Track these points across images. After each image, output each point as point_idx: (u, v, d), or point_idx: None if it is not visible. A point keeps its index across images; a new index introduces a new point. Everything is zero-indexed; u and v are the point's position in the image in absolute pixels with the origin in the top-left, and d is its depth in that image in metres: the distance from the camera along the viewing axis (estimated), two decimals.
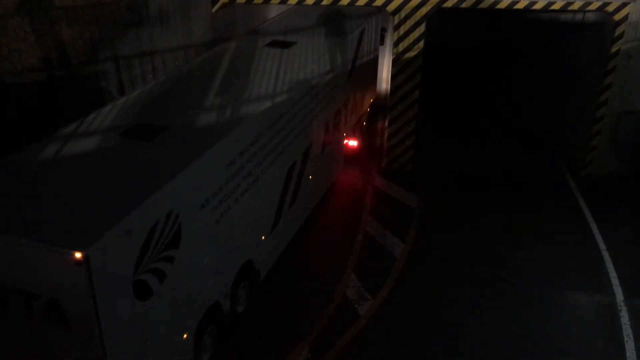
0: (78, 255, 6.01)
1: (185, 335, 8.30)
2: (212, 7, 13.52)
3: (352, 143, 15.34)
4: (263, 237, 10.49)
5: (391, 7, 13.60)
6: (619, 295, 10.84)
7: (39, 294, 6.56)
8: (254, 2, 13.61)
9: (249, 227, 9.85)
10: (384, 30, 17.14)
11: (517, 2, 13.41)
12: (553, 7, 13.44)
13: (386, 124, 15.05)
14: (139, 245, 6.85)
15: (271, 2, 13.64)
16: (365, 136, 16.57)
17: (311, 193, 12.79)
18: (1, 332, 7.01)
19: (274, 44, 12.96)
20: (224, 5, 13.61)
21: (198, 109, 9.48)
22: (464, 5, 13.50)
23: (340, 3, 13.62)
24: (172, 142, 8.24)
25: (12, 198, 7.06)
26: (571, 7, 13.48)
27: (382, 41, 17.26)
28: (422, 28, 13.73)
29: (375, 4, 13.59)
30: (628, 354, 9.50)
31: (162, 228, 7.19)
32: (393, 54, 14.11)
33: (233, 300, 9.63)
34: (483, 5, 13.49)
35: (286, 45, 12.88)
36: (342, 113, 14.27)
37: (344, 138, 14.84)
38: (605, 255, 12.06)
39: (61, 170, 7.69)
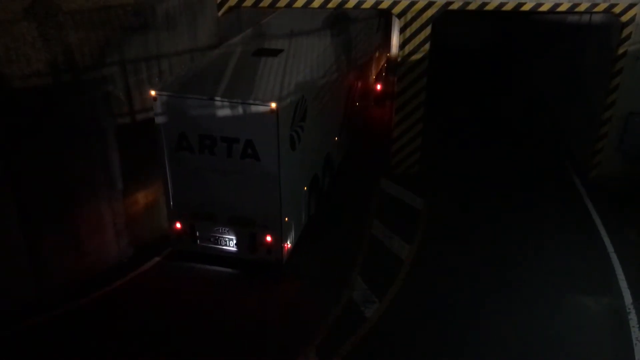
0: (273, 105, 9.81)
1: (305, 188, 12.18)
2: (219, 10, 13.57)
3: (378, 86, 20.11)
4: (336, 139, 14.63)
5: (397, 9, 13.59)
6: (628, 298, 10.79)
7: (238, 138, 10.21)
8: (260, 5, 13.64)
9: (330, 127, 14.08)
10: None
11: (524, 4, 13.36)
12: (559, 8, 13.39)
13: (392, 125, 15.05)
14: (292, 111, 10.69)
15: (277, 5, 13.66)
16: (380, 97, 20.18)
17: (355, 120, 16.76)
18: (210, 168, 10.61)
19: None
20: (230, 9, 13.66)
21: (295, 41, 13.64)
22: (470, 7, 13.46)
23: (346, 6, 13.63)
24: (289, 58, 12.27)
25: (214, 83, 10.80)
26: (578, 9, 13.43)
27: None
28: (427, 30, 13.70)
29: (381, 6, 13.59)
30: (637, 357, 9.44)
31: (300, 104, 11.11)
32: (399, 56, 14.10)
33: (322, 177, 13.54)
34: (489, 7, 13.45)
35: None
36: (374, 57, 19.12)
37: (373, 80, 19.47)
38: (613, 257, 12.00)
39: (233, 70, 11.51)
